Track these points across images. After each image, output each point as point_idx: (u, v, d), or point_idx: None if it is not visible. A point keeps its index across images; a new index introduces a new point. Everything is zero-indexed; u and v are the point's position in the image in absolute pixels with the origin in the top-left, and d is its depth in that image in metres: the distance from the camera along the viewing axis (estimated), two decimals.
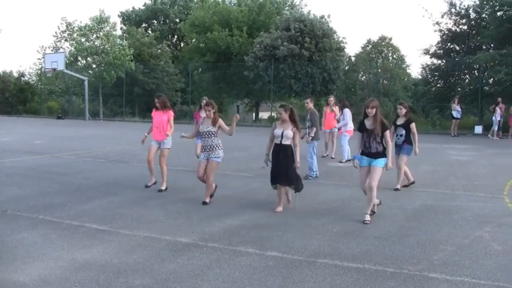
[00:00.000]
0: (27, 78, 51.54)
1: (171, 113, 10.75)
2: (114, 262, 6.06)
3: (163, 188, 10.40)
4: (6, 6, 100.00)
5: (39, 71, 49.20)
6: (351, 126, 15.61)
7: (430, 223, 8.12)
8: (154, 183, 10.62)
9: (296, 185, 8.99)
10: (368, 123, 8.22)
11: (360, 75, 44.44)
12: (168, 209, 8.27)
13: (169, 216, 8.22)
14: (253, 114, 48.19)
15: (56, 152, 16.59)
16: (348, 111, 15.62)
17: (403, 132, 10.86)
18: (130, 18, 58.74)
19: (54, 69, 38.80)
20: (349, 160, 14.45)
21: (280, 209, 8.78)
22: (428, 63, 36.33)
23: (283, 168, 8.74)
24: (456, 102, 27.15)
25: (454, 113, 27.35)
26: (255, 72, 36.66)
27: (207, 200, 9.24)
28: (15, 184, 11.02)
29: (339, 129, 15.87)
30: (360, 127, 8.35)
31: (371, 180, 8.04)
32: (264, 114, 46.07)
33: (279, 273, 5.75)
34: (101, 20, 41.22)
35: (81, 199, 9.29)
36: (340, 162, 15.26)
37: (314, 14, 40.25)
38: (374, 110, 8.08)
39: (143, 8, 59.55)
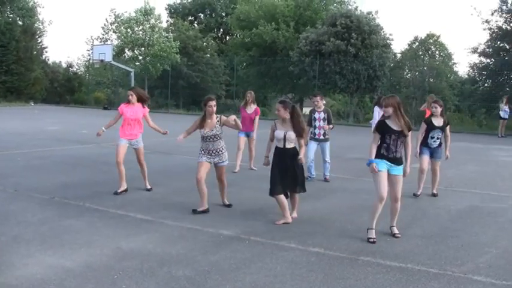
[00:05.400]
0: (75, 69, 52.74)
1: (147, 109, 9.77)
2: (157, 252, 6.15)
3: (149, 187, 9.75)
4: None
5: (87, 62, 50.07)
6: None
7: (475, 225, 7.99)
8: (125, 190, 9.41)
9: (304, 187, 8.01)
10: (392, 123, 7.02)
11: (406, 72, 44.01)
12: (211, 201, 8.33)
13: (212, 208, 8.26)
14: None
15: (102, 141, 16.87)
16: (376, 109, 14.40)
17: (440, 134, 9.90)
18: (177, 11, 59.33)
19: (102, 61, 39.41)
20: None
21: (290, 219, 7.69)
22: (477, 61, 35.81)
23: (292, 173, 7.66)
24: (504, 102, 26.58)
25: (502, 113, 26.76)
26: (300, 68, 36.61)
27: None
28: (63, 172, 11.27)
29: None
30: (382, 128, 7.06)
31: (397, 193, 7.11)
32: (307, 110, 45.87)
33: (320, 269, 5.75)
34: (146, 12, 41.65)
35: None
36: None
37: (361, 10, 39.96)
38: (390, 109, 7.00)
39: (190, 0, 60.05)
